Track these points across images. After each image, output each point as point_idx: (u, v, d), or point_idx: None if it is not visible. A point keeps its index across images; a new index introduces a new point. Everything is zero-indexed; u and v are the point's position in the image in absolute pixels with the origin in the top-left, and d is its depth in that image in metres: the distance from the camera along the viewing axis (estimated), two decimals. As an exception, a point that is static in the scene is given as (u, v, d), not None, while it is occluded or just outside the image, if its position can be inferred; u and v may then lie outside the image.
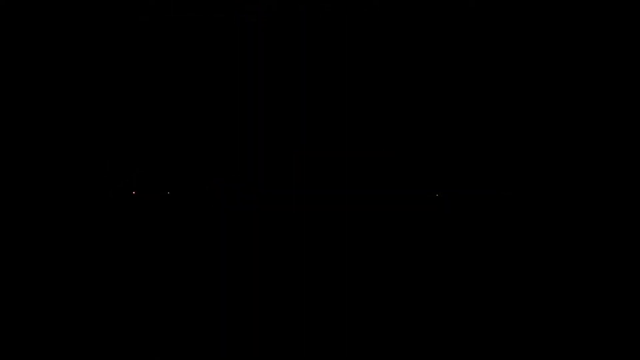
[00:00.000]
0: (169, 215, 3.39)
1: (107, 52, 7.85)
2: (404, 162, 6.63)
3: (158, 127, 8.04)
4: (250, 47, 6.96)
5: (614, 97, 6.30)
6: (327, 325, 2.63)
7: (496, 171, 7.14)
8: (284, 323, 2.63)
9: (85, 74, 8.06)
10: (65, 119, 7.47)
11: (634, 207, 3.78)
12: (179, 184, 7.54)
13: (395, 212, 3.89)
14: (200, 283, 2.87)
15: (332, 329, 2.63)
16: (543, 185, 5.31)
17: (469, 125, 7.83)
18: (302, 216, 4.60)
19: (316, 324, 2.64)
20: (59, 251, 3.17)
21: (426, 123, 7.29)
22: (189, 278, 2.89)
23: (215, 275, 2.90)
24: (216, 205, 7.37)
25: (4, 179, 5.69)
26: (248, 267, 2.87)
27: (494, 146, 7.43)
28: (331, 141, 8.04)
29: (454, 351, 2.58)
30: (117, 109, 8.08)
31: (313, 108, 7.67)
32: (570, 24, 6.83)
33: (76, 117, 7.59)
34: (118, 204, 6.98)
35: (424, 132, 7.29)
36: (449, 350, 2.58)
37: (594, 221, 3.66)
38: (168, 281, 2.86)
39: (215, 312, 2.71)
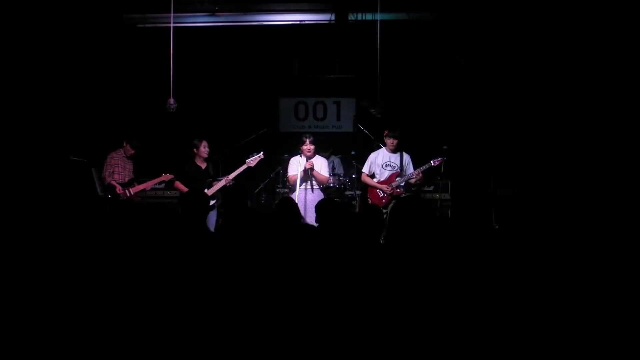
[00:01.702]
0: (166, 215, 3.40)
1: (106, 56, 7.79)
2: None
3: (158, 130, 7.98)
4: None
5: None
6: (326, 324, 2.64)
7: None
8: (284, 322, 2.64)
9: (84, 76, 8.01)
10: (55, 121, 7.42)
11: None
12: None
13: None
14: (200, 282, 2.88)
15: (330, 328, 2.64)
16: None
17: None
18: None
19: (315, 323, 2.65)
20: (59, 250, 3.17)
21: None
22: (189, 277, 2.89)
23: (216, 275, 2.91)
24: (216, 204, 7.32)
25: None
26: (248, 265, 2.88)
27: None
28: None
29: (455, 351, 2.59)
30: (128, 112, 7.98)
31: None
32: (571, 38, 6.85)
33: (67, 118, 7.53)
34: (116, 205, 6.95)
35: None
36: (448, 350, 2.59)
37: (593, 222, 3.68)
38: (168, 279, 2.87)
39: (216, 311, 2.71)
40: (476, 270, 2.87)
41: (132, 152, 7.40)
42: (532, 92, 8.18)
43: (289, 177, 7.21)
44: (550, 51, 7.47)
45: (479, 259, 2.98)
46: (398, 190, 7.07)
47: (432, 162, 7.02)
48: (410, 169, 7.12)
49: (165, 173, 7.39)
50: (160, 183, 8.17)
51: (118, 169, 7.37)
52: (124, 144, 7.39)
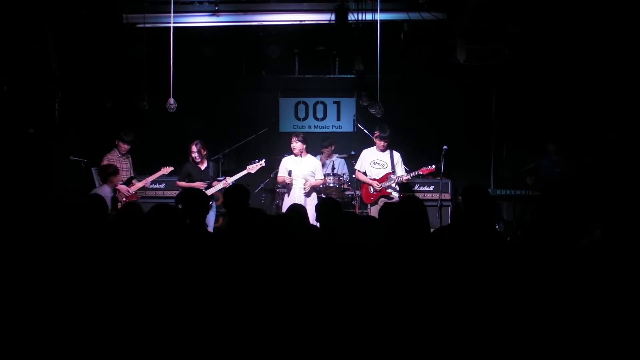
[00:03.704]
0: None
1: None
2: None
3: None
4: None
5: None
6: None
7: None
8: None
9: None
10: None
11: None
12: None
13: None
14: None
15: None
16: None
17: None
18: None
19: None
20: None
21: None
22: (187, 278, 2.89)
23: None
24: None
25: None
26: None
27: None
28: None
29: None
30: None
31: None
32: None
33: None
34: (118, 204, 6.94)
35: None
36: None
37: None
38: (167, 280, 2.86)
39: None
40: (477, 271, 2.87)
41: (126, 147, 7.37)
42: (534, 90, 8.20)
43: (278, 178, 7.27)
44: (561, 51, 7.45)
45: (481, 260, 2.98)
46: (388, 190, 7.11)
47: (420, 170, 7.10)
48: (400, 167, 7.17)
49: (165, 166, 7.36)
50: (160, 183, 8.17)
51: None
52: (116, 143, 7.37)
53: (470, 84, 8.59)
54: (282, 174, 7.10)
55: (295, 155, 7.01)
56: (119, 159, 7.38)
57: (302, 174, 7.00)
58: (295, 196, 6.93)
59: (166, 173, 7.41)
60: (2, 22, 7.10)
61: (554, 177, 7.13)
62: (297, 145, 6.95)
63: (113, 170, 6.69)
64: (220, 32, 8.26)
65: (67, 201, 6.88)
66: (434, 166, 7.09)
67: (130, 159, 7.53)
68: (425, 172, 7.13)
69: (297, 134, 7.09)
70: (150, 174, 7.56)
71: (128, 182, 7.34)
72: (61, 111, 7.81)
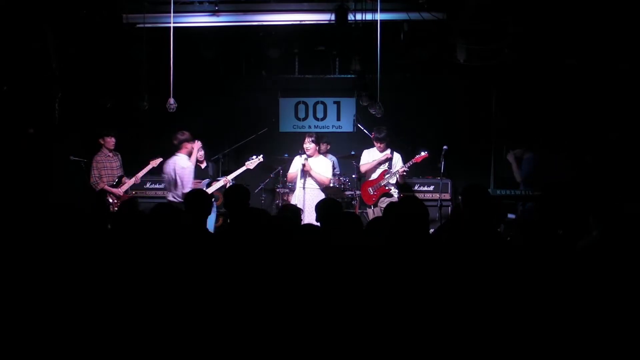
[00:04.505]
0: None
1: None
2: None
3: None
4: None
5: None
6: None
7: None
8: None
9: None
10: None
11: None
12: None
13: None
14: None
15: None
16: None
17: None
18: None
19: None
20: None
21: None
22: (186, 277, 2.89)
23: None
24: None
25: None
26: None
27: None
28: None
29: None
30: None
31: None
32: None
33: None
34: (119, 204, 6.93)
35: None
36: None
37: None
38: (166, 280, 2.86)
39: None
40: (476, 271, 2.87)
41: (113, 140, 7.34)
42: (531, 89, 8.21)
43: (288, 175, 7.28)
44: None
45: (480, 260, 2.98)
46: (387, 188, 7.13)
47: (414, 159, 7.12)
48: (399, 166, 7.18)
49: (152, 158, 7.31)
50: (159, 183, 8.16)
51: (105, 171, 7.32)
52: (102, 141, 7.33)
53: (470, 84, 8.59)
54: (292, 170, 7.09)
55: (309, 155, 6.99)
56: (107, 158, 7.35)
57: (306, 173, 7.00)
58: (295, 195, 6.91)
59: (155, 165, 7.34)
60: (2, 22, 7.10)
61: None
62: (310, 145, 6.91)
63: (187, 138, 6.56)
64: (220, 32, 8.25)
65: (67, 201, 6.91)
66: (426, 152, 7.11)
67: (119, 156, 7.51)
68: (419, 160, 7.13)
69: (310, 134, 7.06)
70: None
71: (118, 181, 7.32)
72: (61, 111, 7.80)
